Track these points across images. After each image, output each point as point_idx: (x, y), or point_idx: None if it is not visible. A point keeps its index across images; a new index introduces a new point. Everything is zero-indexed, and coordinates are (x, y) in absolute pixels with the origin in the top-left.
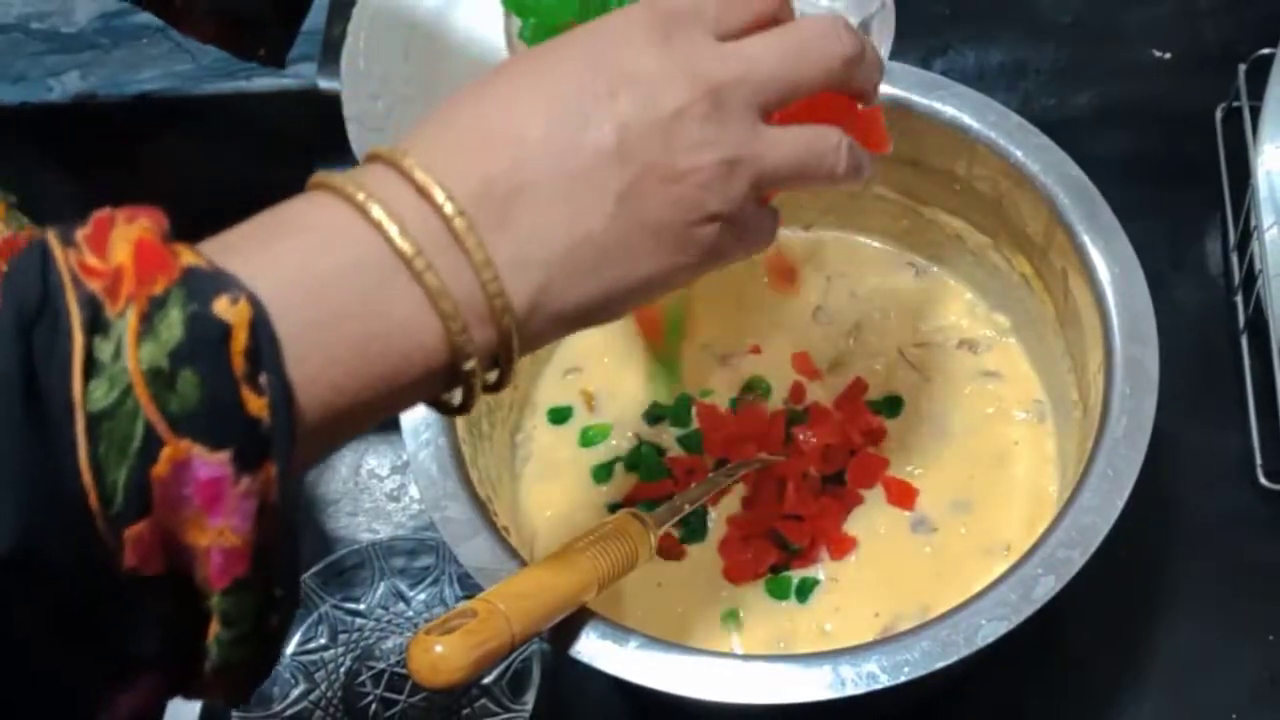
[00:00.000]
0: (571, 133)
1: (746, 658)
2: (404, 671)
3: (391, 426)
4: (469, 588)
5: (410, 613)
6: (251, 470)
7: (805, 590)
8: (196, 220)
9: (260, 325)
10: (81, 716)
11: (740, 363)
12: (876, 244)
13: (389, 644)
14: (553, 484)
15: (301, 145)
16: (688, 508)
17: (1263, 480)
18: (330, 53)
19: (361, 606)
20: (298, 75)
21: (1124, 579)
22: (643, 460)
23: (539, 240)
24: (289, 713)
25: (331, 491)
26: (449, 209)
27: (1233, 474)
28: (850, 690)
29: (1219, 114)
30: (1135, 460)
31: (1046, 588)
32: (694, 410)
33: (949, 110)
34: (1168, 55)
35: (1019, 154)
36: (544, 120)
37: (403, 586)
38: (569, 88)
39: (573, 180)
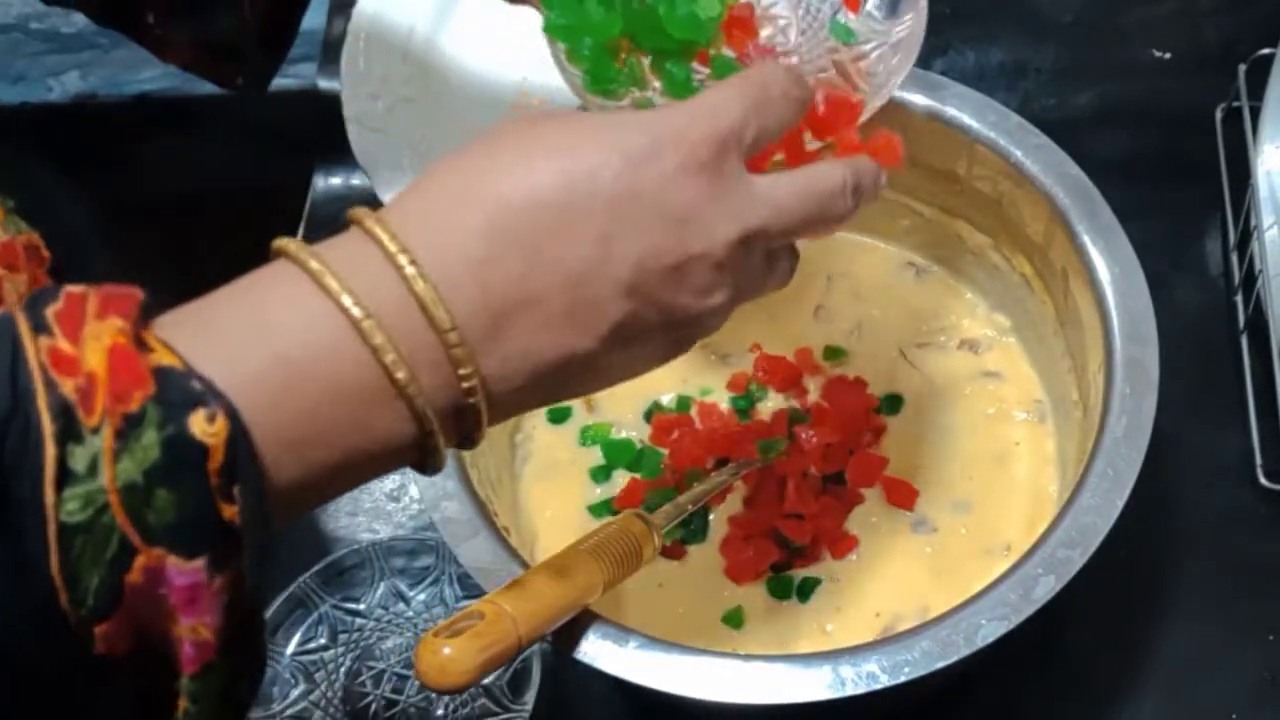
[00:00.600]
0: (591, 260)
1: (747, 658)
2: (404, 672)
3: None
4: (469, 588)
5: (410, 613)
6: (225, 570)
7: (806, 590)
8: (197, 220)
9: (238, 442)
10: None
11: (740, 362)
12: (877, 244)
13: (389, 644)
14: (552, 484)
15: (301, 145)
16: (691, 508)
17: (1263, 480)
18: (330, 53)
19: (361, 606)
20: (298, 75)
21: (1124, 579)
22: (643, 460)
23: (527, 358)
24: (289, 713)
25: None
26: (446, 323)
27: (1233, 474)
28: (850, 690)
29: (1219, 114)
30: (1135, 460)
31: (1047, 588)
32: (694, 410)
33: (949, 110)
34: (1168, 55)
35: (1019, 154)
36: (566, 239)
37: (403, 586)
38: (598, 209)
39: (576, 305)
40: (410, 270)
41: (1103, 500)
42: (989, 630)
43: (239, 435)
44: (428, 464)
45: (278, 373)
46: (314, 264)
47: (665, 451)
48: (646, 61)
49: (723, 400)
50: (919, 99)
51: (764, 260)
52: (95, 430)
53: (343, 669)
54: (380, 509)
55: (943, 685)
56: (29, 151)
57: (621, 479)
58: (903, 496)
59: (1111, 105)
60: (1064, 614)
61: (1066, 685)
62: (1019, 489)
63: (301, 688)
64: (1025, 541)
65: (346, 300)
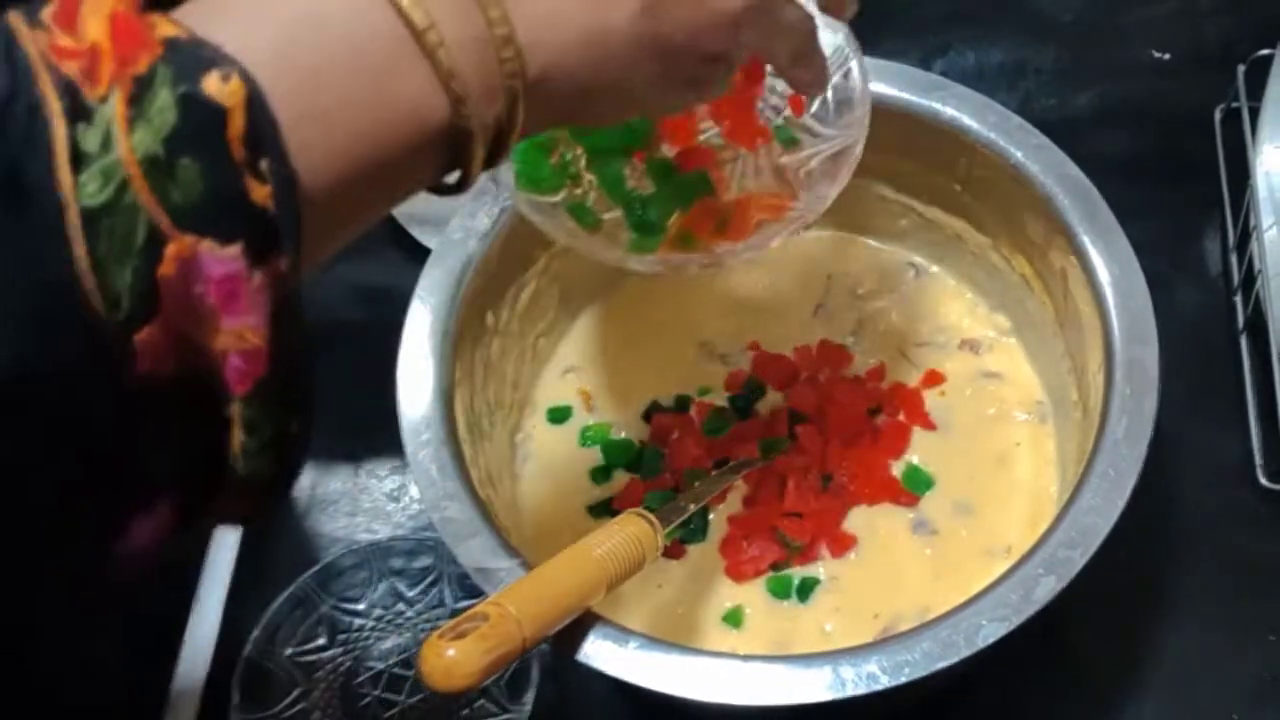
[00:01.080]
0: None
1: (746, 658)
2: (403, 672)
3: (391, 426)
4: (468, 589)
5: (410, 613)
6: (263, 264)
7: (806, 590)
8: None
9: (257, 107)
10: (94, 545)
11: (739, 361)
12: (877, 244)
13: (388, 644)
14: (552, 484)
15: None
16: (692, 507)
17: (1263, 480)
18: None
19: (360, 607)
20: None
21: (1125, 579)
22: (642, 460)
23: (556, 24)
24: (287, 713)
25: (330, 492)
26: None
27: (1233, 474)
28: (850, 691)
29: (1218, 114)
30: (1136, 460)
31: (1047, 588)
32: (693, 409)
33: (949, 111)
34: (1167, 56)
35: (1019, 154)
36: None
37: (402, 587)
38: None
39: None
40: None
41: (1103, 500)
42: (990, 631)
43: (257, 99)
44: (461, 161)
45: (292, 38)
46: None
47: (665, 451)
48: (582, 159)
49: (721, 400)
50: (919, 99)
51: None
52: (104, 100)
53: (341, 669)
54: (379, 509)
55: (943, 686)
56: None
57: (621, 479)
58: (902, 493)
59: (1111, 106)
60: (1065, 614)
61: (1067, 686)
62: (1020, 490)
63: (300, 688)
64: (1026, 542)
65: None
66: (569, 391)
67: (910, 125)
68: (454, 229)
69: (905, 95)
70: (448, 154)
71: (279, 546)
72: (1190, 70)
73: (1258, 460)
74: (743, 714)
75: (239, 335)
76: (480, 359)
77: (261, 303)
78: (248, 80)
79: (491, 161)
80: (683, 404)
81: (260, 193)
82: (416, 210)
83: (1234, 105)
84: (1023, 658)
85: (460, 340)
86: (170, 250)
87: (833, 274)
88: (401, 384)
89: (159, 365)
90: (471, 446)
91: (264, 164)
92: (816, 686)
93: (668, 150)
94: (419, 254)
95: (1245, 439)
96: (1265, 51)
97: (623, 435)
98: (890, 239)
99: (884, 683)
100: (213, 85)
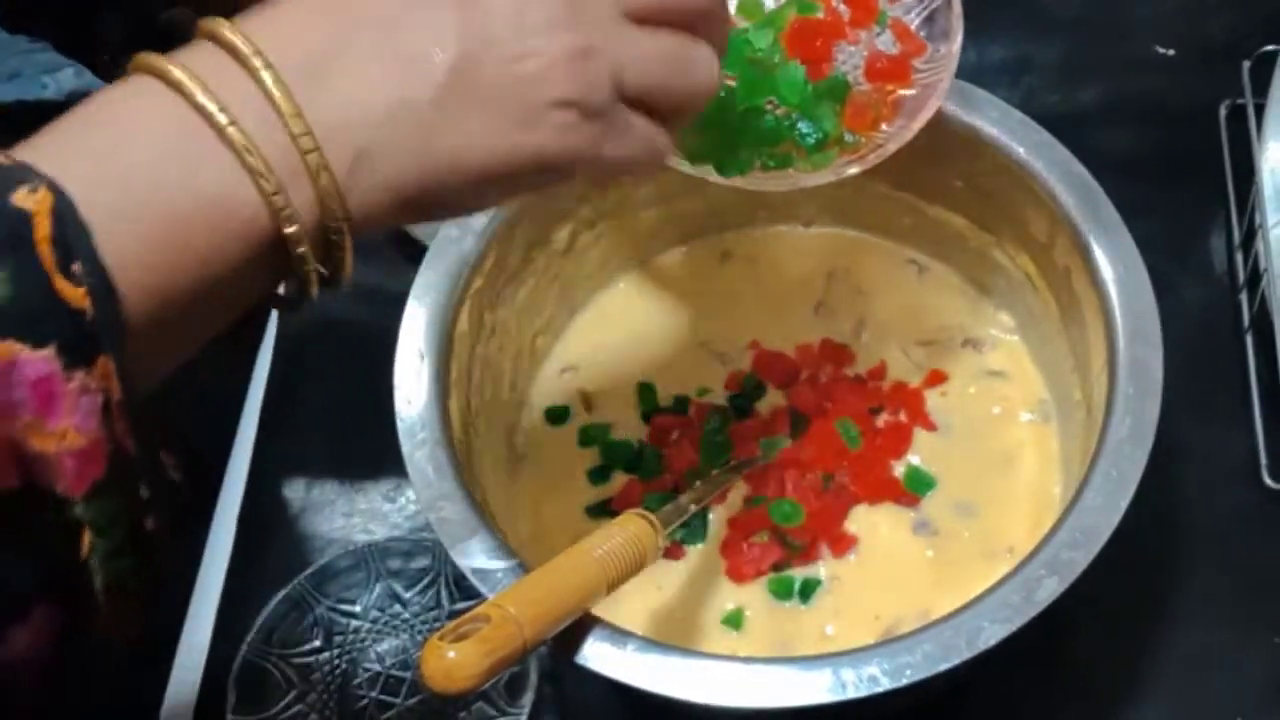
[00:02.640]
0: (410, 3)
1: (747, 660)
2: (399, 674)
3: (387, 426)
4: (465, 590)
5: (406, 615)
6: (83, 365)
7: (807, 591)
8: None
9: (64, 211)
10: None
11: (738, 360)
12: (878, 241)
13: (384, 646)
14: (550, 485)
15: None
16: (693, 508)
17: (1268, 480)
18: None
19: (357, 608)
20: None
21: (1128, 581)
22: (641, 460)
23: (358, 102)
24: (284, 715)
25: (326, 492)
26: (256, 63)
27: (1237, 474)
28: (851, 693)
29: (1223, 111)
30: (1139, 461)
31: (1050, 590)
32: (691, 409)
33: (951, 107)
34: (1171, 52)
35: (1021, 151)
36: None
37: (398, 588)
38: None
39: (400, 45)
40: (226, 29)
41: (1107, 501)
42: (991, 633)
43: (64, 205)
44: (291, 263)
45: (102, 150)
46: (170, 68)
47: (664, 452)
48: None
49: (721, 399)
50: None
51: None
52: None
53: (338, 671)
54: (376, 510)
55: (944, 688)
56: None
57: (619, 480)
58: (903, 492)
59: (1115, 102)
60: (1067, 616)
61: (1070, 688)
62: (1022, 490)
63: (296, 690)
64: (1028, 543)
65: (160, 62)
66: (567, 391)
67: None
68: (451, 227)
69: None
70: (271, 248)
71: (274, 547)
72: (1195, 66)
73: (1263, 460)
74: (742, 716)
75: (63, 436)
76: (477, 358)
77: (85, 404)
78: (56, 190)
79: (333, 274)
80: (682, 404)
81: (74, 294)
82: None
83: (1239, 102)
84: (1025, 660)
85: (457, 340)
86: None
87: (834, 272)
88: (398, 384)
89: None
90: (468, 447)
91: (75, 266)
92: (817, 688)
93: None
94: (415, 253)
95: (1250, 439)
96: (1271, 47)
97: (621, 435)
98: (892, 236)
99: (885, 685)
100: (20, 196)
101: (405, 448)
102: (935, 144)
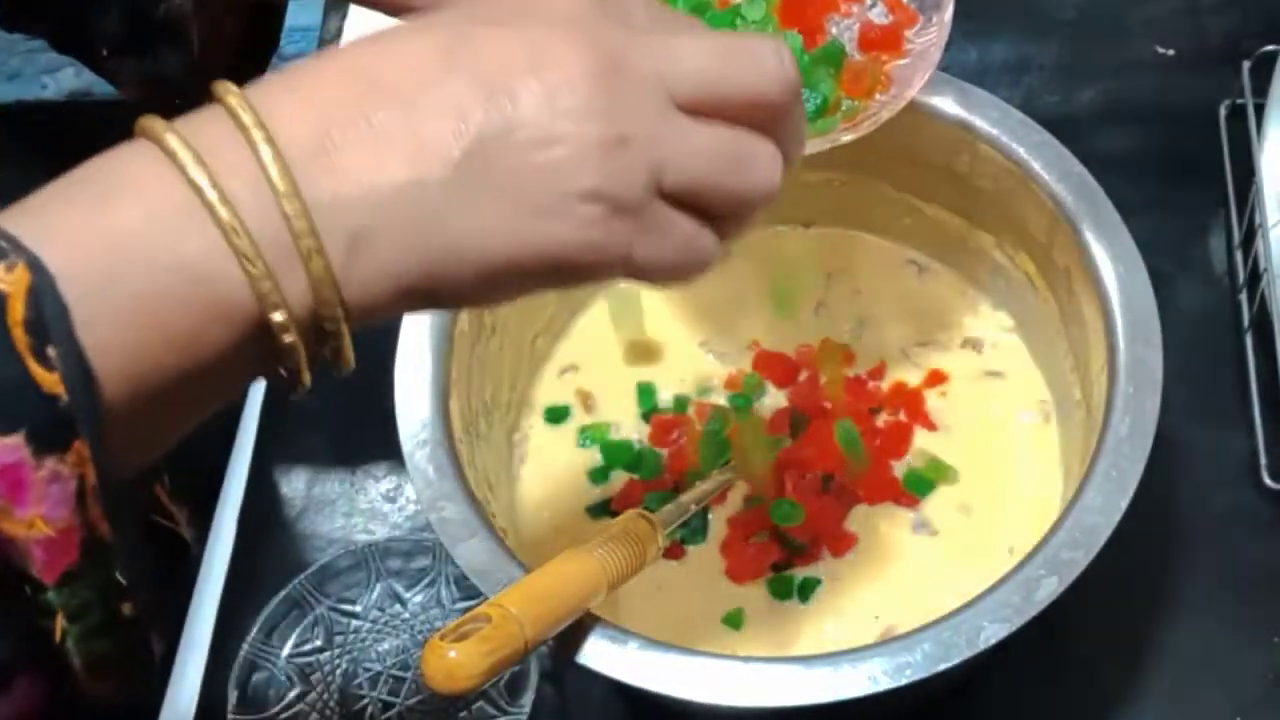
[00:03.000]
0: (430, 73)
1: (747, 660)
2: (400, 674)
3: (388, 426)
4: (465, 589)
5: (406, 614)
6: (55, 451)
7: (807, 590)
8: None
9: (41, 292)
10: None
11: (738, 360)
12: (878, 241)
13: (385, 646)
14: (550, 485)
15: None
16: (694, 507)
17: (1267, 480)
18: (326, 48)
19: (357, 608)
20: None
21: (1127, 580)
22: (641, 460)
23: (362, 183)
24: (284, 715)
25: (327, 492)
26: (257, 136)
27: (1237, 474)
28: (851, 692)
29: (1223, 111)
30: (1139, 461)
31: (1049, 589)
32: (691, 409)
33: (951, 106)
34: (1171, 52)
35: (1021, 151)
36: (405, 60)
37: (399, 588)
38: (446, 36)
39: (417, 124)
40: (232, 96)
41: (1106, 501)
42: (991, 632)
43: (43, 286)
44: (281, 352)
45: (90, 218)
46: (166, 135)
47: (664, 452)
48: None
49: (721, 399)
50: (921, 95)
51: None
52: None
53: (338, 671)
54: (376, 510)
55: (944, 687)
56: (22, 149)
57: (619, 480)
58: (902, 492)
59: (1115, 102)
60: (1067, 616)
61: (1069, 688)
62: (1022, 490)
63: (297, 690)
64: (1028, 543)
65: (158, 128)
66: (567, 391)
67: (911, 121)
68: None
69: None
70: (259, 335)
71: (275, 547)
72: (1195, 66)
73: (1263, 460)
74: (742, 716)
75: (30, 524)
76: (477, 358)
77: (55, 492)
78: (36, 268)
79: (335, 357)
80: (682, 404)
81: (48, 380)
82: None
83: (1239, 102)
84: (1024, 659)
85: (457, 339)
86: None
87: (833, 272)
88: (398, 383)
89: None
90: (468, 447)
91: (50, 350)
92: (817, 688)
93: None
94: None
95: (1250, 439)
96: (1271, 47)
97: (621, 435)
98: (892, 237)
99: (885, 684)
100: None
101: (406, 447)
102: (935, 144)
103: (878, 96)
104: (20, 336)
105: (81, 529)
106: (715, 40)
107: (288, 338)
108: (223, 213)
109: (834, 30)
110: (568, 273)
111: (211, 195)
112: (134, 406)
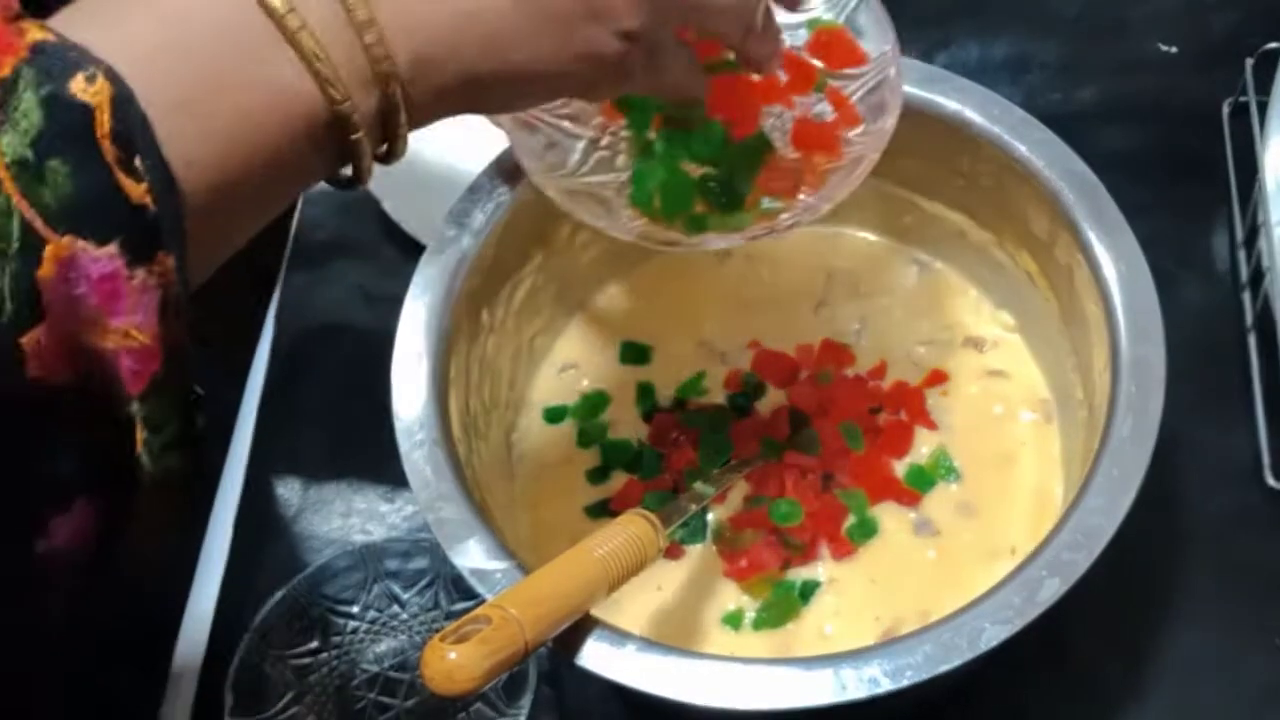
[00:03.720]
0: None
1: (746, 661)
2: (397, 675)
3: (385, 426)
4: (463, 590)
5: (404, 615)
6: (145, 262)
7: (807, 593)
8: None
9: (125, 104)
10: (13, 543)
11: (738, 359)
12: (879, 240)
13: (382, 647)
14: (549, 485)
15: None
16: (694, 507)
17: (1270, 481)
18: None
19: (355, 609)
20: None
21: (1129, 581)
22: (641, 460)
23: (425, 6)
24: (281, 717)
25: (324, 493)
26: None
27: (1240, 474)
28: (852, 694)
29: (1226, 109)
30: (1142, 461)
31: (1051, 590)
32: (691, 409)
33: (952, 104)
34: (1174, 49)
35: (1023, 149)
36: None
37: (396, 589)
38: None
39: None
40: None
41: (1109, 501)
42: (992, 634)
43: (124, 97)
44: (348, 152)
45: (158, 34)
46: None
47: (664, 452)
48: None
49: (721, 399)
50: (922, 93)
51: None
52: None
53: (336, 673)
54: (374, 510)
55: (945, 689)
56: None
57: (619, 480)
58: (903, 492)
59: (1117, 100)
60: (1069, 617)
61: (1071, 689)
62: (1024, 490)
63: (294, 691)
64: (1029, 544)
65: None
66: (565, 391)
67: (913, 119)
68: (448, 226)
69: (907, 89)
70: (332, 143)
71: (272, 548)
72: (1197, 64)
73: (1265, 460)
74: (742, 718)
75: (125, 334)
76: (475, 358)
77: (146, 301)
78: (114, 79)
79: (388, 154)
80: (681, 404)
81: (136, 190)
82: (411, 207)
83: (1242, 100)
84: (1026, 661)
85: (455, 339)
86: (48, 252)
87: (834, 271)
88: (395, 383)
89: (51, 370)
90: (466, 447)
91: (138, 161)
92: (817, 690)
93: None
94: (413, 251)
95: (1253, 438)
96: (1273, 45)
97: (621, 435)
98: (893, 235)
99: (885, 686)
100: (78, 86)
101: (403, 448)
102: (936, 141)
103: (801, 197)
104: (109, 149)
105: (166, 338)
106: None
107: (359, 147)
108: (305, 40)
109: (770, 121)
110: (593, 88)
111: (292, 22)
112: (212, 212)
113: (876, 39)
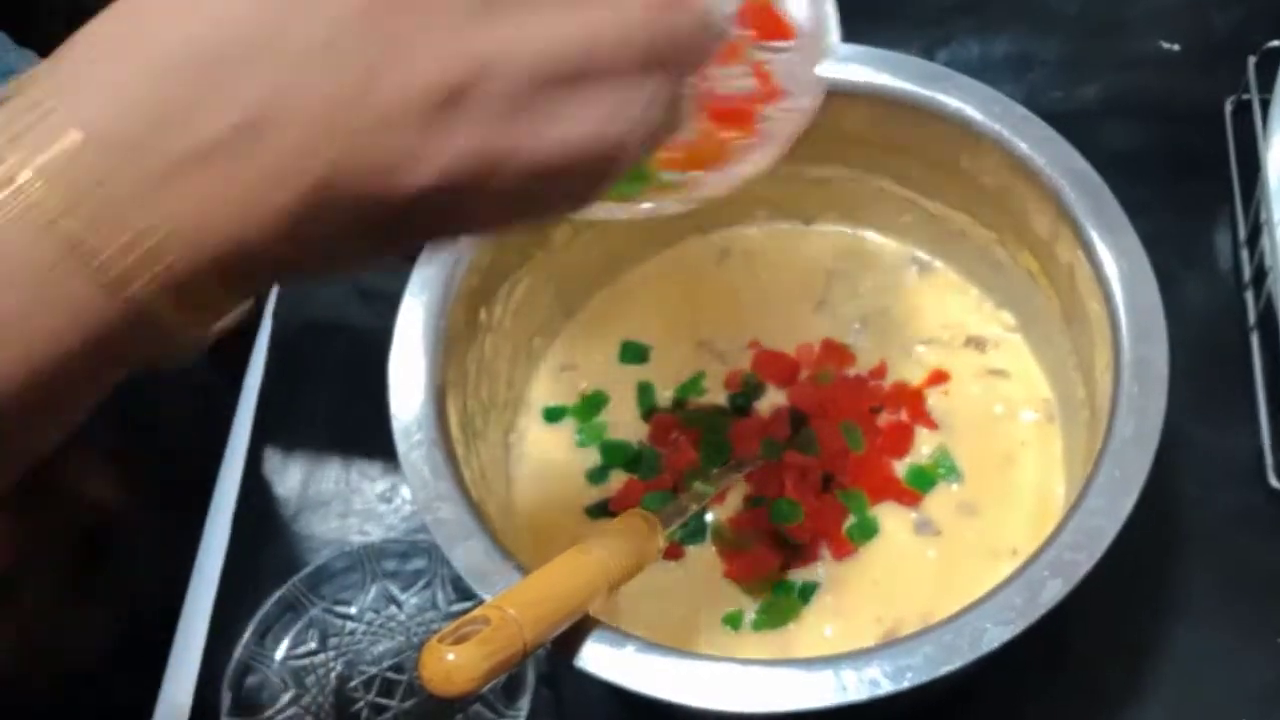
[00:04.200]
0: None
1: (746, 663)
2: (395, 676)
3: (383, 426)
4: (461, 591)
5: (402, 616)
6: None
7: (806, 593)
8: None
9: None
10: None
11: (738, 359)
12: (880, 238)
13: (380, 648)
14: (548, 485)
15: None
16: (694, 507)
17: (1273, 481)
18: None
19: (352, 610)
20: None
21: (1131, 581)
22: (641, 460)
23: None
24: (278, 718)
25: (322, 493)
26: (54, 121)
27: (1242, 474)
28: (852, 696)
29: (1228, 107)
30: (1144, 462)
31: (1053, 591)
32: (690, 408)
33: (953, 102)
34: (1176, 47)
35: (1024, 147)
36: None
37: (394, 590)
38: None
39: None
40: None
41: (1111, 502)
42: (994, 635)
43: None
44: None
45: None
46: None
47: (663, 452)
48: None
49: (720, 398)
50: (922, 90)
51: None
52: None
53: (333, 674)
54: (372, 511)
55: (946, 691)
56: None
57: (618, 480)
58: (904, 492)
59: (1119, 98)
60: (1070, 618)
61: (1073, 690)
62: (1025, 491)
63: (291, 692)
64: (1031, 544)
65: None
66: (564, 391)
67: (913, 117)
68: None
69: (908, 86)
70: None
71: (269, 549)
72: (1200, 62)
73: (1268, 460)
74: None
75: None
76: (473, 358)
77: None
78: None
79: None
80: (681, 404)
81: None
82: None
83: (1245, 97)
84: (1027, 662)
85: (453, 338)
86: None
87: (834, 270)
88: (393, 383)
89: None
90: (465, 447)
91: None
92: (818, 691)
93: None
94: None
95: (1255, 438)
96: (1276, 43)
97: (620, 435)
98: (893, 234)
99: (886, 687)
100: None
101: (401, 448)
102: (937, 140)
103: (704, 174)
104: None
105: None
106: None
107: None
108: (69, 225)
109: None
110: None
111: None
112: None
113: (806, 13)
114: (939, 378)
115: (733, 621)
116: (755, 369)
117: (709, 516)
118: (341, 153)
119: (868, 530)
